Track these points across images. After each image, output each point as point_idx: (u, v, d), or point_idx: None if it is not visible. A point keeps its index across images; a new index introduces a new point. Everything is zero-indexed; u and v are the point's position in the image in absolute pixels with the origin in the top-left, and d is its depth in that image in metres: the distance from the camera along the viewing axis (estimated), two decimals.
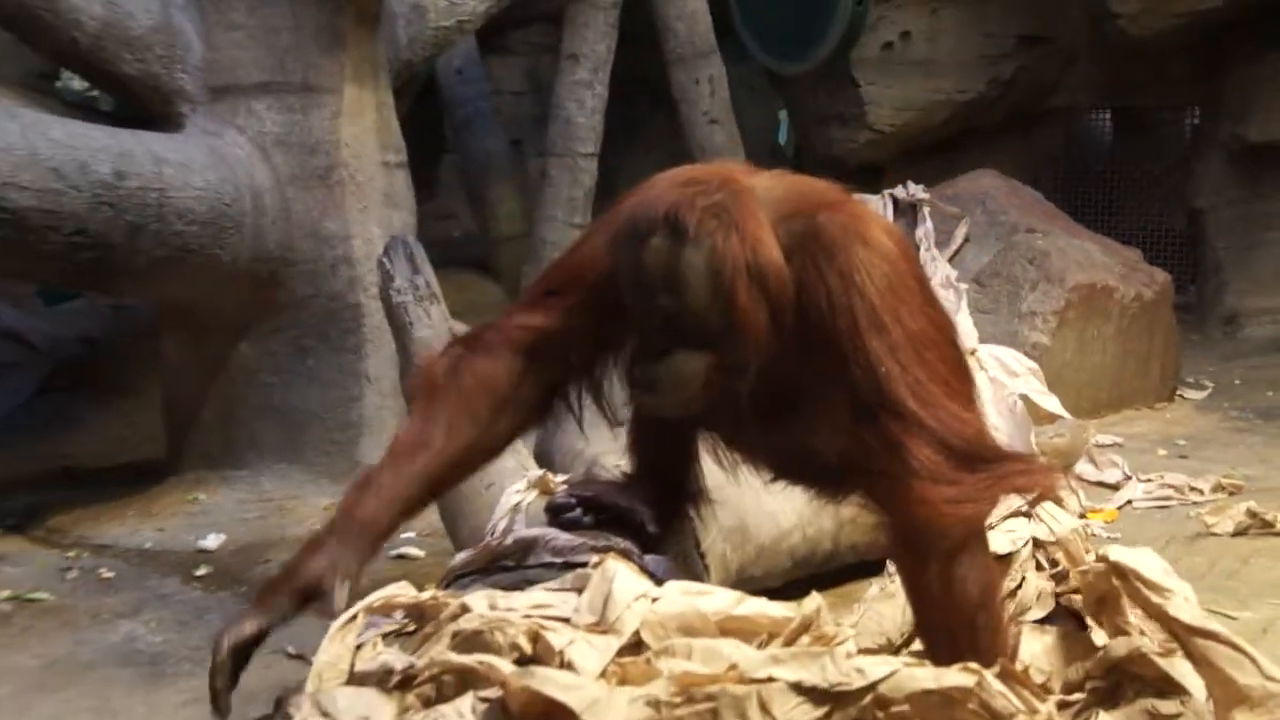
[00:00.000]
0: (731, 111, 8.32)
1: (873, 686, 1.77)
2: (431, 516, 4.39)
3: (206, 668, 2.43)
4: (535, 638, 1.95)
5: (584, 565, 2.19)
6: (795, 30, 9.13)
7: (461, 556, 3.21)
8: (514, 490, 3.72)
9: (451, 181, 10.71)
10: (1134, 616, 2.40)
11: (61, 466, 6.56)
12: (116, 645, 4.23)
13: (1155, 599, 2.41)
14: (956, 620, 2.17)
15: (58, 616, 4.49)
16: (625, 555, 2.17)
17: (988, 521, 2.31)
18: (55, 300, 8.66)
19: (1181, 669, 2.25)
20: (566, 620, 2.01)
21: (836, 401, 2.31)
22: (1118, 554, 2.46)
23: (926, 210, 6.29)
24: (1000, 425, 4.14)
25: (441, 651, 1.97)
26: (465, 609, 2.11)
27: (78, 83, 8.27)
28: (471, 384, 2.43)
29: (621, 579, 2.05)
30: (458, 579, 2.80)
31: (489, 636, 1.97)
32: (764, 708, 1.71)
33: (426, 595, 2.28)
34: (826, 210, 2.33)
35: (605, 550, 2.33)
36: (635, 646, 2.00)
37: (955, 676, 1.85)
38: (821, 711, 1.73)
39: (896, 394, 2.19)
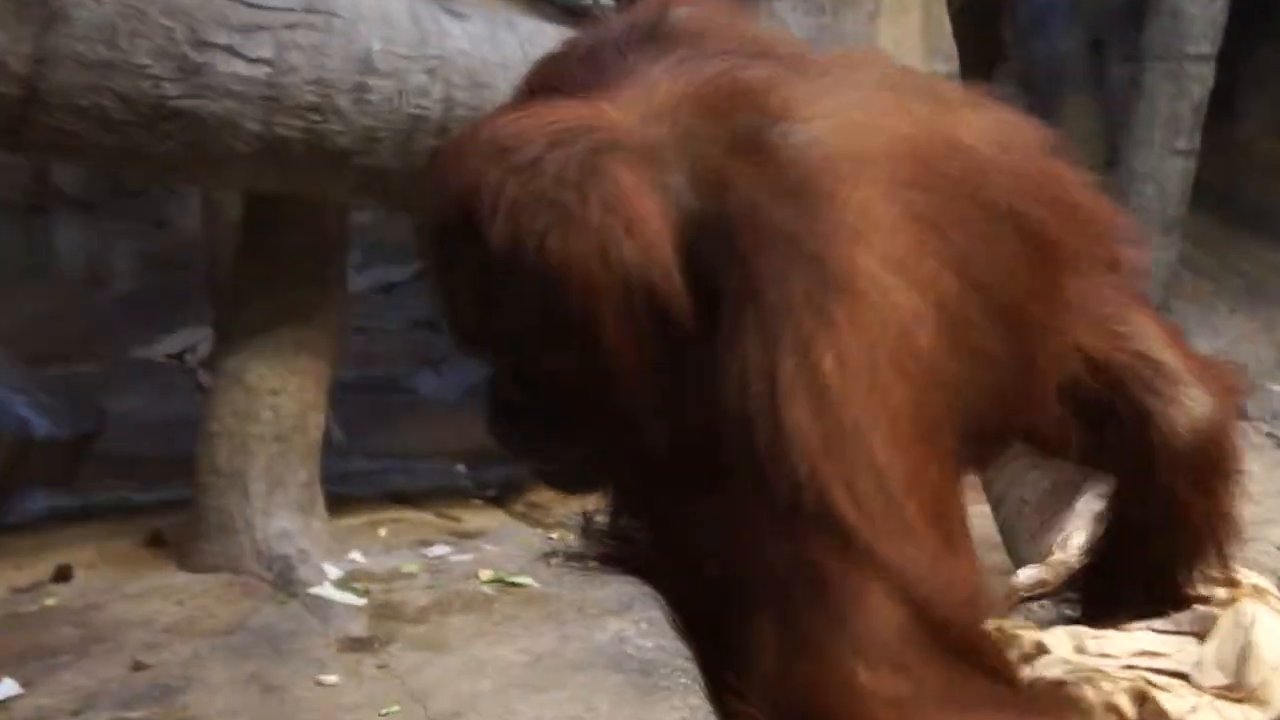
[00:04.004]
0: None
1: None
2: (977, 522, 4.35)
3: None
4: (1141, 698, 1.87)
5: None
6: None
7: (1027, 573, 3.15)
8: (1096, 491, 3.59)
9: (1010, 95, 10.48)
10: None
11: None
12: (604, 645, 4.49)
13: None
14: None
15: (542, 606, 4.81)
16: (1260, 592, 2.05)
17: None
18: None
19: None
20: (1185, 677, 1.92)
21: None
22: None
23: None
24: None
25: None
26: (1043, 649, 2.05)
27: None
28: None
29: (1264, 626, 1.93)
30: (1023, 602, 2.75)
31: (1075, 689, 1.91)
32: None
33: (989, 625, 2.25)
34: (767, 152, 1.89)
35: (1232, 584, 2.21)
36: None
37: None
38: None
39: (838, 507, 1.75)
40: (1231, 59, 7.91)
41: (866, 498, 1.77)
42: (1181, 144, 7.57)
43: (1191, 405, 2.33)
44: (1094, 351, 2.32)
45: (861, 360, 1.80)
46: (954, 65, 6.12)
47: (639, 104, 1.96)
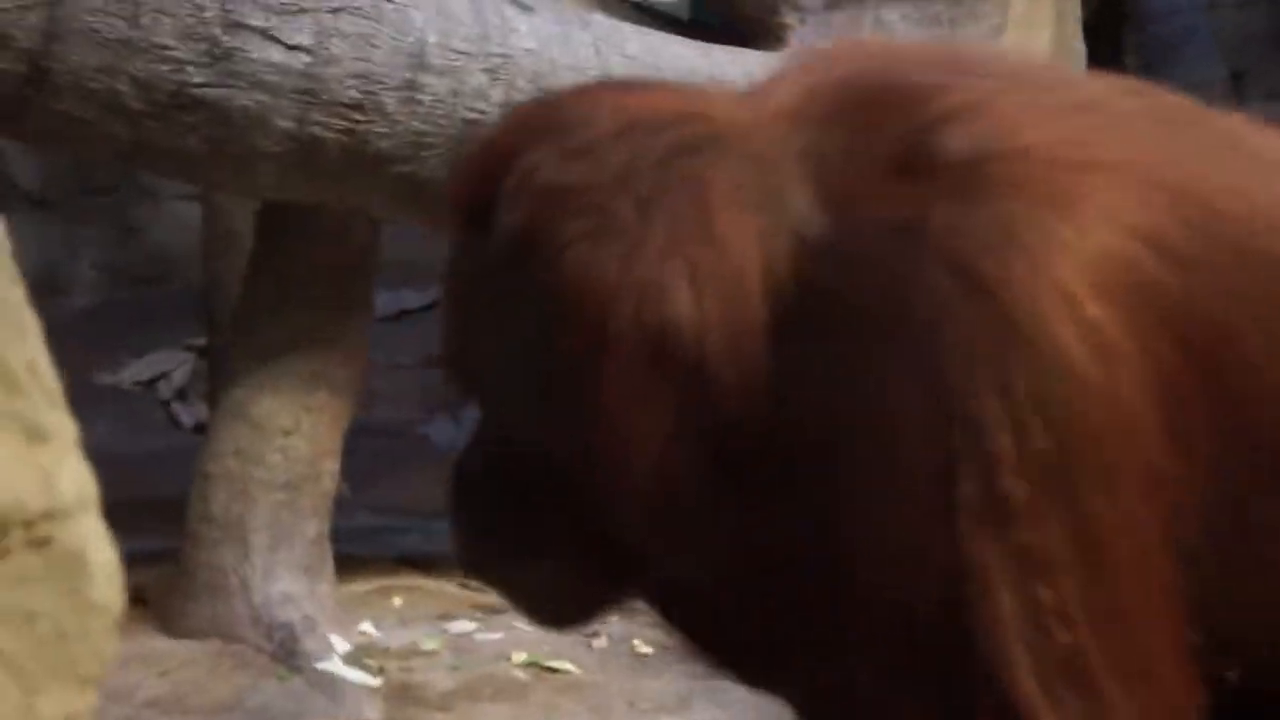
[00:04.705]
0: None
1: None
2: None
3: None
4: None
5: None
6: None
7: None
8: None
9: None
10: None
11: None
12: None
13: None
14: None
15: (586, 697, 4.85)
16: None
17: None
18: None
19: None
20: None
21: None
22: None
23: None
24: None
25: None
26: None
27: None
28: None
29: None
30: None
31: None
32: None
33: None
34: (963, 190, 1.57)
35: None
36: None
37: None
38: None
39: (1016, 679, 1.51)
40: None
41: (1066, 691, 1.54)
42: None
43: None
44: None
45: (1072, 486, 1.55)
46: None
47: (757, 99, 1.74)
